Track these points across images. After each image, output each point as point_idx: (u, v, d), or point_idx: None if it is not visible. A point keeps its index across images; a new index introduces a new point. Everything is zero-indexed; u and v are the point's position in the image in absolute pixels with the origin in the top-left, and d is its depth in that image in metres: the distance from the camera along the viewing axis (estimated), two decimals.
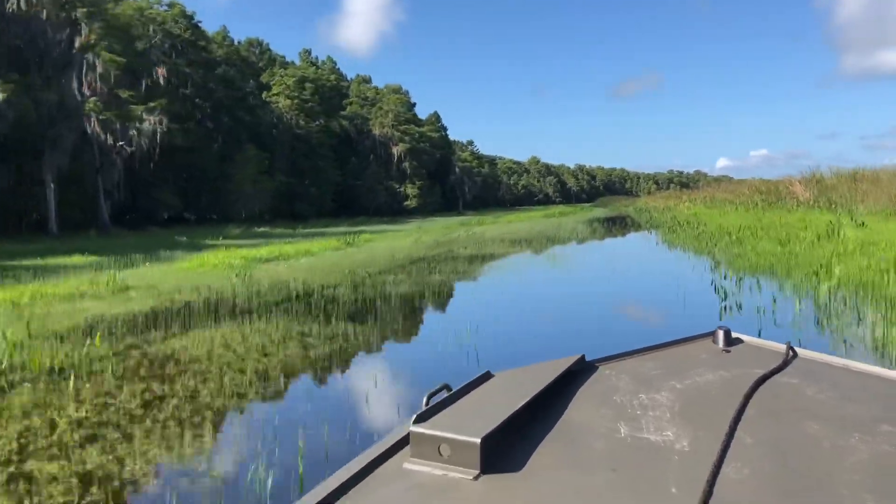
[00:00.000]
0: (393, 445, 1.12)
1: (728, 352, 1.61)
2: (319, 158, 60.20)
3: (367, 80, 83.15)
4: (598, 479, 1.00)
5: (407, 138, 73.30)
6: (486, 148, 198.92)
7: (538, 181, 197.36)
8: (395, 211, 73.63)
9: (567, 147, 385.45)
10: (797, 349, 1.60)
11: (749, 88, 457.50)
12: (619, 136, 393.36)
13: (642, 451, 1.08)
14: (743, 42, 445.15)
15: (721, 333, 1.66)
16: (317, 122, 63.11)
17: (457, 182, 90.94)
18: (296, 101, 59.80)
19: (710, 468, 0.99)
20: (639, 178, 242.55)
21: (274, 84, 60.60)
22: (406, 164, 73.78)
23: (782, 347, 1.61)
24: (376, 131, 72.93)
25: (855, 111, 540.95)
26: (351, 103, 75.70)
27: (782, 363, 1.49)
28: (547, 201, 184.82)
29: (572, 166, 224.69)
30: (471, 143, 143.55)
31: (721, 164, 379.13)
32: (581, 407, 1.28)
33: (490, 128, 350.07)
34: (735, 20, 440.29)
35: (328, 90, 71.45)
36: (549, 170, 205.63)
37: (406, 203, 73.84)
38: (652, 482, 0.98)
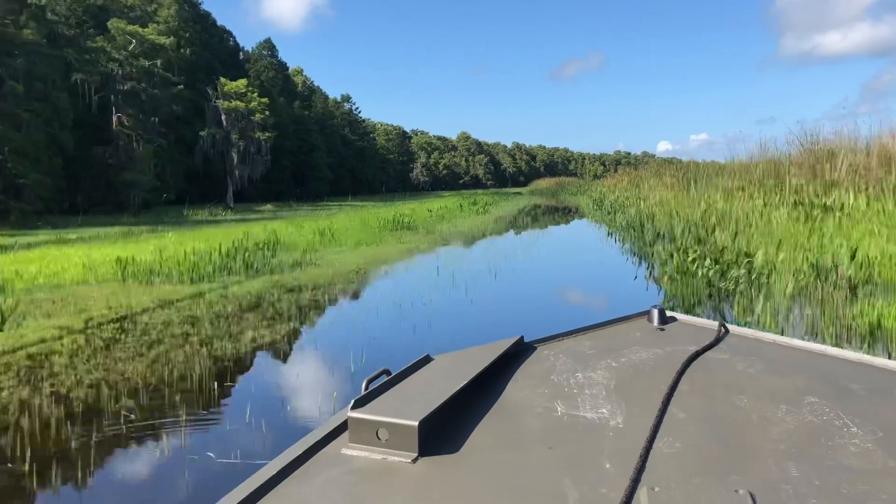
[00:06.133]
0: (331, 431, 1.10)
1: (662, 330, 1.60)
2: None
3: None
4: (534, 457, 1.01)
5: None
6: (419, 128, 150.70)
7: (465, 160, 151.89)
8: None
9: (507, 129, 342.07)
10: (729, 326, 1.59)
11: (690, 72, 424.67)
12: (561, 118, 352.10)
13: (578, 428, 1.10)
14: (685, 25, 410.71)
15: (655, 312, 1.64)
16: None
17: (219, 145, 43.10)
18: None
19: (644, 443, 1.02)
20: (584, 158, 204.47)
21: None
22: None
23: (715, 325, 1.59)
24: None
25: (792, 95, 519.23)
26: None
27: (714, 340, 1.49)
28: (476, 185, 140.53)
29: (509, 145, 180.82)
30: (347, 98, 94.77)
31: (663, 148, 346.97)
32: (519, 387, 1.28)
33: (424, 109, 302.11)
34: (677, 2, 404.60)
35: None
36: (480, 147, 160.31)
37: None
38: (587, 458, 1.00)
